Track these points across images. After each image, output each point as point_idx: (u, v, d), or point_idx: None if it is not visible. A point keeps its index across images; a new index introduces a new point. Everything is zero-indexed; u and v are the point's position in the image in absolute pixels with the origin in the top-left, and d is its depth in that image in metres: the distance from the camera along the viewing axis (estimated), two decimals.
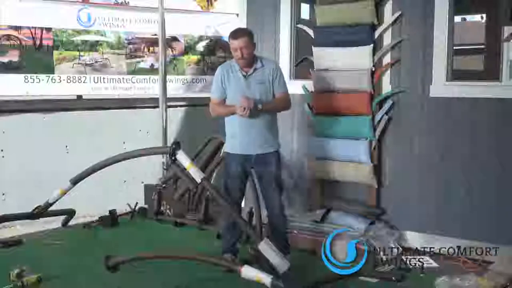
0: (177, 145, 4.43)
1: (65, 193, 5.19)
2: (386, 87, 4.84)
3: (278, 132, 4.34)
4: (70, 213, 5.60)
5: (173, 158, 4.42)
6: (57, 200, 5.21)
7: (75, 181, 5.15)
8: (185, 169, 4.37)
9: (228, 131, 4.29)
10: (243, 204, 5.15)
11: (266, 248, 3.95)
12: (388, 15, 4.78)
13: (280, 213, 4.35)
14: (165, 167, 6.14)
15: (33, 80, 6.09)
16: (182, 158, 4.39)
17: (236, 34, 4.11)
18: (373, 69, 4.81)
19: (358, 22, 4.82)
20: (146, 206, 5.98)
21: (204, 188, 4.72)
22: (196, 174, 4.30)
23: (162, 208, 5.81)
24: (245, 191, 4.44)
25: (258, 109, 4.06)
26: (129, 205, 5.87)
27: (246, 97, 4.02)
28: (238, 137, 4.20)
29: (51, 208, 5.31)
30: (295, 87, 5.28)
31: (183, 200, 5.75)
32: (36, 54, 6.16)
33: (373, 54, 4.79)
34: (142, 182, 6.25)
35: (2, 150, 5.82)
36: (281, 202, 4.33)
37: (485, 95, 4.43)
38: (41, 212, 5.24)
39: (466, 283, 3.77)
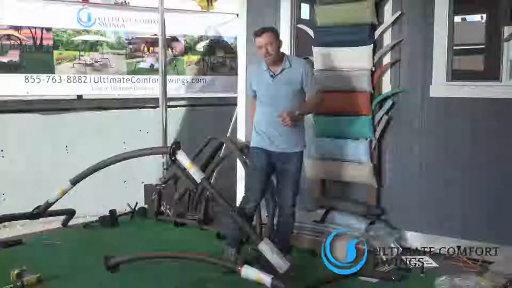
0: (177, 145, 4.43)
1: (65, 193, 5.20)
2: (386, 87, 4.84)
3: (304, 132, 4.31)
4: (70, 213, 5.60)
5: (173, 158, 4.43)
6: (57, 200, 5.22)
7: (75, 181, 5.15)
8: (185, 169, 4.37)
9: (256, 127, 4.27)
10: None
11: (266, 248, 3.96)
12: (388, 15, 4.77)
13: (290, 213, 4.31)
14: (165, 167, 6.15)
15: (33, 80, 6.10)
16: (182, 158, 4.39)
17: (260, 30, 4.09)
18: (373, 69, 4.81)
19: (358, 22, 4.82)
20: (146, 206, 5.98)
21: (204, 188, 4.71)
22: (196, 174, 4.30)
23: (162, 208, 5.81)
24: (267, 187, 4.38)
25: (298, 116, 4.03)
26: (129, 205, 5.88)
27: (281, 115, 3.97)
28: (264, 134, 4.18)
29: (51, 208, 5.32)
30: None
31: (183, 200, 5.75)
32: (36, 54, 6.17)
33: (373, 54, 4.78)
34: (142, 182, 6.25)
35: (2, 150, 5.82)
36: (293, 202, 4.27)
37: (485, 95, 4.43)
38: (41, 212, 5.24)
39: (466, 283, 3.77)
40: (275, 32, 4.11)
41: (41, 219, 5.42)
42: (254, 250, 4.16)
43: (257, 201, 4.27)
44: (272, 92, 4.12)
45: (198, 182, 4.34)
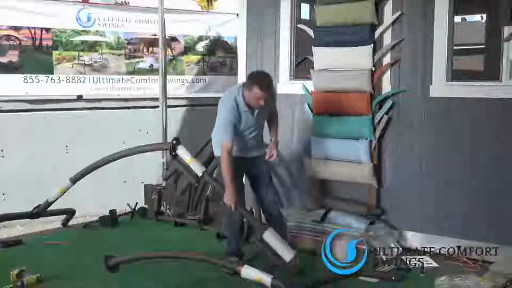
0: (177, 140, 4.46)
1: (65, 192, 5.20)
2: (386, 87, 4.84)
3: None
4: (70, 213, 5.60)
5: (173, 153, 4.45)
6: (57, 199, 5.21)
7: (75, 180, 5.15)
8: (187, 164, 4.41)
9: (237, 146, 4.28)
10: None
11: (271, 237, 3.99)
12: (388, 15, 4.77)
13: (278, 212, 4.44)
14: (165, 167, 6.15)
15: (32, 81, 6.09)
16: (183, 153, 4.43)
17: (267, 85, 4.07)
18: (373, 69, 4.81)
19: (358, 22, 4.82)
20: (146, 206, 5.98)
21: (206, 183, 4.71)
22: (198, 168, 4.32)
23: (162, 208, 5.81)
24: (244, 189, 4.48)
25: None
26: (129, 205, 5.88)
27: (272, 154, 4.30)
28: (245, 144, 4.27)
29: (51, 208, 5.31)
30: (295, 87, 5.29)
31: (183, 200, 5.75)
32: (36, 54, 6.16)
33: (373, 54, 4.78)
34: (142, 182, 6.25)
35: (2, 150, 5.82)
36: (276, 200, 4.49)
37: (485, 95, 4.43)
38: (41, 211, 5.23)
39: (466, 283, 3.77)
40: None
41: (41, 219, 5.42)
42: (256, 243, 4.15)
43: (242, 200, 4.31)
44: (252, 126, 4.23)
45: (200, 176, 4.36)
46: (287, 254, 3.96)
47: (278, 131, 4.48)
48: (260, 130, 4.35)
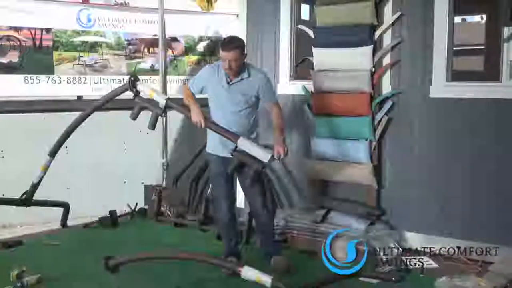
0: (134, 77, 4.52)
1: (47, 168, 5.15)
2: (386, 87, 4.84)
3: (257, 136, 4.28)
4: (64, 206, 5.56)
5: (134, 91, 4.51)
6: (41, 179, 5.15)
7: (53, 153, 5.13)
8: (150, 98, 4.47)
9: (209, 131, 4.25)
10: (242, 205, 5.19)
11: (245, 143, 4.00)
12: (388, 15, 4.78)
13: (264, 212, 4.29)
14: (165, 168, 6.15)
15: (33, 81, 6.09)
16: (143, 87, 4.52)
17: (228, 46, 4.02)
18: (373, 70, 4.81)
19: (358, 22, 4.82)
20: (146, 206, 5.98)
21: (169, 106, 4.46)
22: (160, 98, 4.40)
23: (162, 208, 5.81)
24: (234, 188, 4.42)
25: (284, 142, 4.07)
26: (129, 205, 5.88)
27: (279, 153, 3.98)
28: (218, 139, 4.18)
29: (44, 199, 5.27)
30: (295, 88, 5.30)
31: (183, 201, 5.76)
32: (36, 55, 6.16)
33: (373, 55, 4.79)
34: (142, 183, 6.25)
35: (2, 151, 5.82)
36: (264, 202, 4.28)
37: (485, 96, 4.43)
38: (30, 196, 5.16)
39: (466, 284, 3.76)
40: (241, 48, 4.05)
41: (40, 219, 5.41)
42: (234, 156, 4.10)
43: (230, 200, 4.30)
44: (224, 98, 4.12)
45: (164, 104, 4.35)
46: (263, 155, 3.95)
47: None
48: (235, 117, 4.11)
